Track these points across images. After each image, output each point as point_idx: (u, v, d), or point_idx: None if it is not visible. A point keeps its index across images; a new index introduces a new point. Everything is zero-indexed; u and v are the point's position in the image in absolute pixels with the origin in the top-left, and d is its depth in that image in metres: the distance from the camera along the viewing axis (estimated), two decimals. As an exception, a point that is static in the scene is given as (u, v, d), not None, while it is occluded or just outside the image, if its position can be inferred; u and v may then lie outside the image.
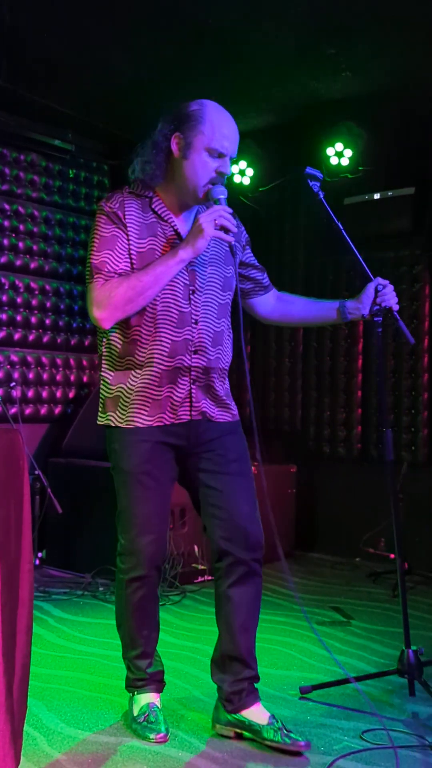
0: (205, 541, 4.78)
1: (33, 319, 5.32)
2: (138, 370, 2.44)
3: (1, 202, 5.12)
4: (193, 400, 2.46)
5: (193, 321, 2.46)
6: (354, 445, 5.55)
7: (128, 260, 2.42)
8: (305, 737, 2.44)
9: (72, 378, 5.56)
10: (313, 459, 5.67)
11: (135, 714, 2.57)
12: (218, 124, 2.40)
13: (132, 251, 2.42)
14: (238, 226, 2.57)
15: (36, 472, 4.64)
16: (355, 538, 5.18)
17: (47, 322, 5.40)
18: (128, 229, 2.42)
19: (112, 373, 2.50)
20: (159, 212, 2.47)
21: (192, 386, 2.46)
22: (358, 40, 4.07)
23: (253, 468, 2.58)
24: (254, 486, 2.55)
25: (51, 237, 5.43)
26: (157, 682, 2.63)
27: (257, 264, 2.71)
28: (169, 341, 2.43)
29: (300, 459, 5.58)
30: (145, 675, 2.59)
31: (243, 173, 5.46)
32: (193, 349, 2.45)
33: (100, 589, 4.35)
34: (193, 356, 2.45)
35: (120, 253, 2.42)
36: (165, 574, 4.40)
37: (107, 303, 2.37)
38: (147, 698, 2.59)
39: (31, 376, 5.30)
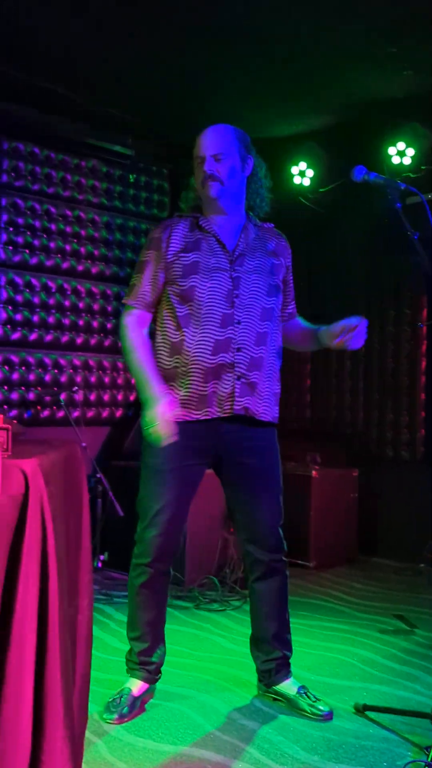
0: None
1: (95, 324, 5.38)
2: (185, 368, 2.65)
3: (63, 209, 5.19)
4: (236, 395, 2.65)
5: (236, 321, 2.67)
6: (417, 447, 5.45)
7: (157, 279, 2.71)
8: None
9: (133, 381, 5.60)
10: (375, 462, 5.59)
11: (114, 692, 2.78)
12: (199, 136, 2.73)
13: (175, 264, 2.68)
14: (285, 248, 2.89)
15: (98, 476, 4.68)
16: (419, 543, 5.08)
17: (108, 326, 5.44)
18: (170, 246, 2.70)
19: (161, 374, 2.68)
20: (203, 226, 2.74)
21: (236, 382, 2.65)
22: (420, 39, 3.98)
23: None
24: (280, 497, 2.82)
25: (112, 242, 5.47)
26: (147, 672, 2.81)
27: (291, 291, 2.95)
28: (213, 340, 2.64)
29: (362, 462, 5.50)
30: (135, 659, 2.82)
31: (303, 174, 5.40)
32: (236, 347, 2.65)
33: (161, 592, 4.36)
34: (236, 354, 2.65)
35: (148, 276, 2.73)
36: (225, 578, 4.40)
37: (123, 339, 2.75)
38: (132, 684, 2.79)
39: (93, 379, 5.35)
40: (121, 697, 2.73)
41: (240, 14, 3.81)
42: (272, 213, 2.89)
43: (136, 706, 2.74)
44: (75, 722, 1.60)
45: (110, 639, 3.59)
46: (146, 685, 2.81)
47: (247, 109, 4.89)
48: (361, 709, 2.80)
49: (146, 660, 2.81)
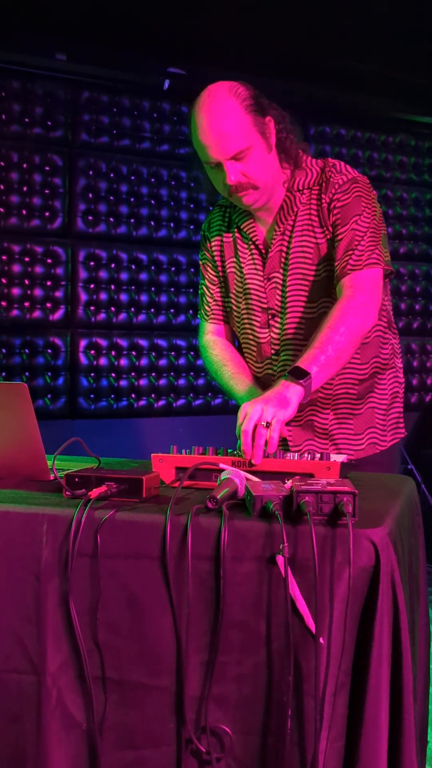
0: None
1: (416, 306, 5.20)
2: None
3: (369, 189, 5.05)
4: (290, 442, 2.05)
5: (273, 352, 2.08)
6: None
7: (218, 290, 2.20)
8: None
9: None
10: None
11: None
12: (198, 131, 1.91)
13: (224, 273, 2.17)
14: (325, 191, 1.97)
15: (408, 466, 4.54)
16: None
17: (416, 307, 5.23)
18: (213, 248, 2.17)
19: None
20: (238, 224, 2.11)
21: (287, 426, 1.98)
22: None
23: None
24: None
25: (420, 219, 5.23)
26: None
27: (341, 235, 1.94)
28: (254, 377, 2.14)
29: None
30: None
31: None
32: None
33: None
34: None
35: (210, 287, 2.21)
36: None
37: (205, 360, 2.23)
38: None
39: (415, 364, 5.21)
40: None
41: None
42: None
43: None
44: None
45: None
46: None
47: None
48: None
49: None
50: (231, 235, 2.13)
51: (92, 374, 4.27)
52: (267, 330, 2.08)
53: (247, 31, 4.13)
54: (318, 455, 1.66)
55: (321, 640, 1.28)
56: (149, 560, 1.37)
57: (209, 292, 2.21)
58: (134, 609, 1.37)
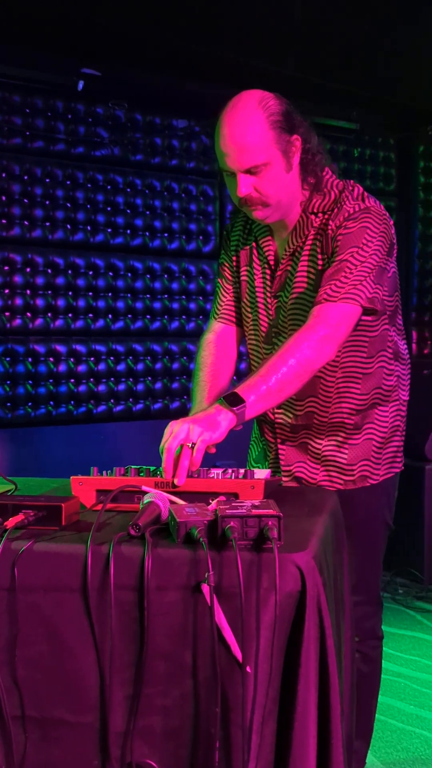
0: None
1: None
2: None
3: (286, 191, 5.07)
4: (282, 462, 2.07)
5: None
6: None
7: (232, 291, 2.18)
8: None
9: None
10: None
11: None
12: (219, 137, 1.89)
13: (238, 279, 2.16)
14: (334, 218, 1.92)
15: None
16: None
17: None
18: (231, 251, 2.17)
19: None
20: (257, 234, 2.09)
21: (281, 445, 2.07)
22: None
23: None
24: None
25: (337, 221, 5.29)
26: None
27: (334, 264, 1.89)
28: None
29: None
30: None
31: None
32: None
33: (400, 591, 4.21)
34: (275, 411, 2.04)
35: (225, 286, 2.19)
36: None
37: (197, 357, 2.18)
38: None
39: None
40: None
41: None
42: None
43: None
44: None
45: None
46: None
47: None
48: None
49: None
50: (249, 243, 2.12)
51: (8, 382, 4.15)
52: (271, 346, 2.06)
53: (162, 32, 4.08)
54: (242, 473, 1.64)
55: (248, 668, 1.25)
56: (70, 592, 1.32)
57: (223, 290, 2.19)
58: (55, 643, 1.32)
